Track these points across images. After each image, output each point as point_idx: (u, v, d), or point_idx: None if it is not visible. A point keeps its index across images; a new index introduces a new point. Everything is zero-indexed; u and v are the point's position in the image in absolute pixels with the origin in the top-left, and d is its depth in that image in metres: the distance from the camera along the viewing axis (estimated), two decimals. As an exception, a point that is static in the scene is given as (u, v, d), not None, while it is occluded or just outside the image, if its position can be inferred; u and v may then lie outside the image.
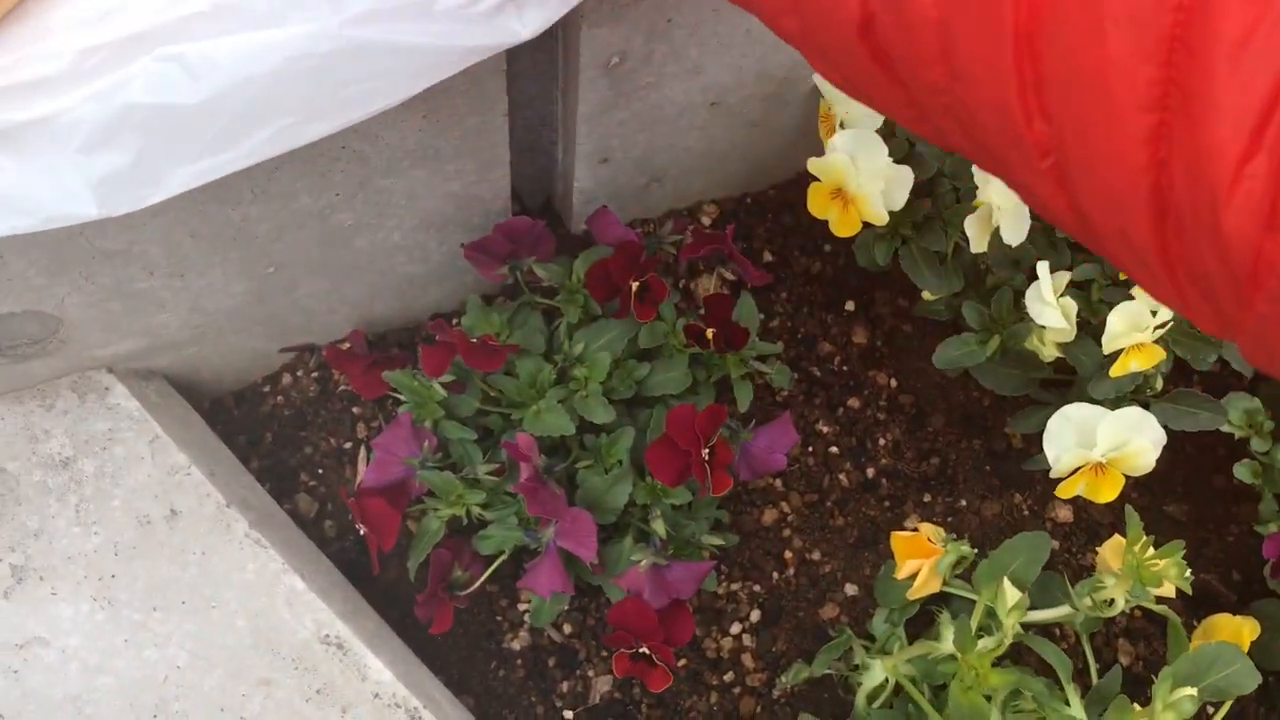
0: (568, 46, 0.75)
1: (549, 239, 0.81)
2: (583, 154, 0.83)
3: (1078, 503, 0.89)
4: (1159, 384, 0.83)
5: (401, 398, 0.79)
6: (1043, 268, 0.76)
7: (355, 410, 0.90)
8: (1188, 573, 0.69)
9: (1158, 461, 0.91)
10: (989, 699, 0.62)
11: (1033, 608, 0.74)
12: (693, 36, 0.75)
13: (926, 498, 0.88)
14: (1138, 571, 0.69)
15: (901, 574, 0.74)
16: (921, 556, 0.74)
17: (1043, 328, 0.78)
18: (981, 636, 0.67)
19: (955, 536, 0.87)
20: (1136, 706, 0.66)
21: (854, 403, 0.91)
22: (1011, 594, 0.64)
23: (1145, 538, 0.69)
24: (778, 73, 0.82)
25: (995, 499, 0.88)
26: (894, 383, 0.91)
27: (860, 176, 0.75)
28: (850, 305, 0.93)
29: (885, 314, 0.92)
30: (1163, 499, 0.90)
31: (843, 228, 0.78)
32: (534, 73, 0.79)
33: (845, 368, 0.91)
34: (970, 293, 0.83)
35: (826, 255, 0.94)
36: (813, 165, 0.77)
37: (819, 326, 0.92)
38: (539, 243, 0.81)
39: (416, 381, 0.78)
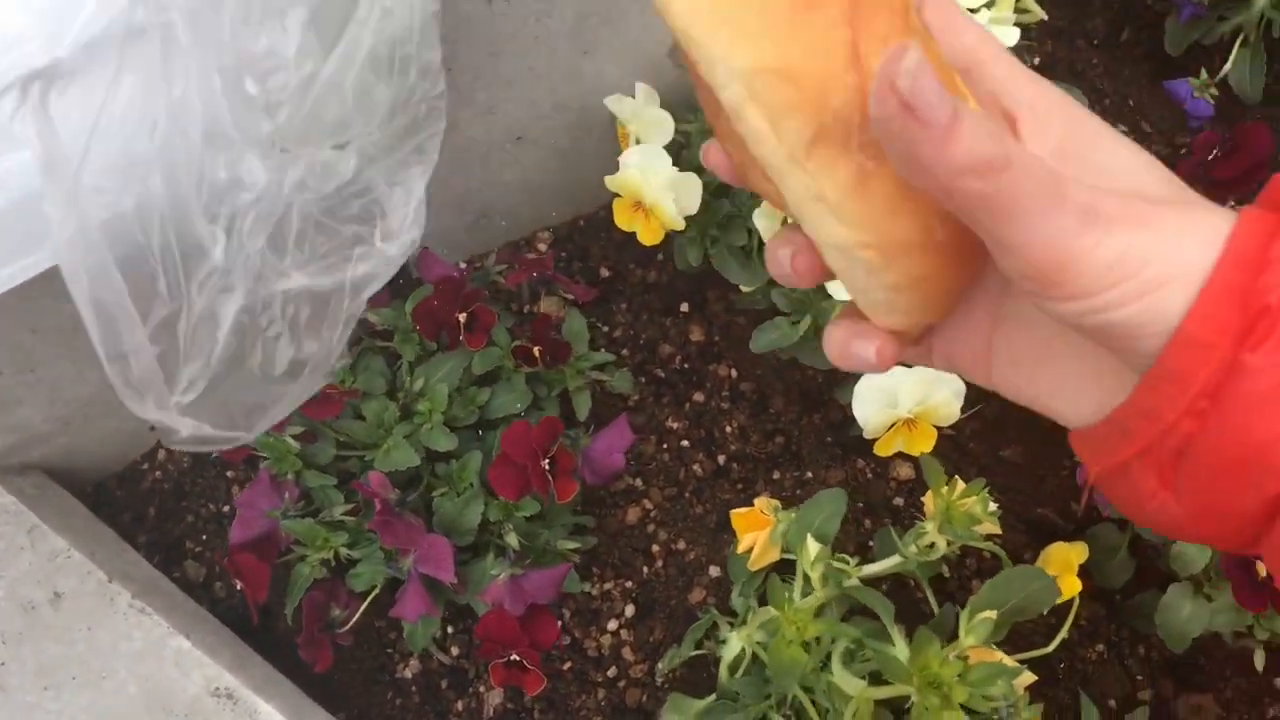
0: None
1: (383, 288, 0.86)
2: (401, 203, 0.88)
3: (919, 460, 0.95)
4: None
5: (264, 455, 0.83)
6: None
7: (229, 474, 0.94)
8: (992, 507, 0.74)
9: (991, 409, 0.98)
10: (808, 648, 0.67)
11: (869, 562, 0.80)
12: (477, 80, 0.81)
13: (776, 475, 0.94)
14: (948, 513, 0.75)
15: (742, 548, 0.79)
16: (758, 529, 0.80)
17: (843, 302, 0.83)
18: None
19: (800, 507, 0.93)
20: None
21: (699, 397, 0.96)
22: (813, 548, 0.69)
23: (949, 481, 0.75)
24: (573, 102, 0.88)
25: (839, 467, 0.94)
26: (734, 373, 0.97)
27: (652, 187, 0.81)
28: (685, 307, 0.98)
29: (718, 310, 0.98)
30: (998, 444, 0.96)
31: (648, 236, 0.84)
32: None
33: (687, 365, 0.97)
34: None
35: (659, 264, 1.00)
36: (609, 182, 0.83)
37: (659, 330, 0.98)
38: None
39: (272, 439, 0.83)
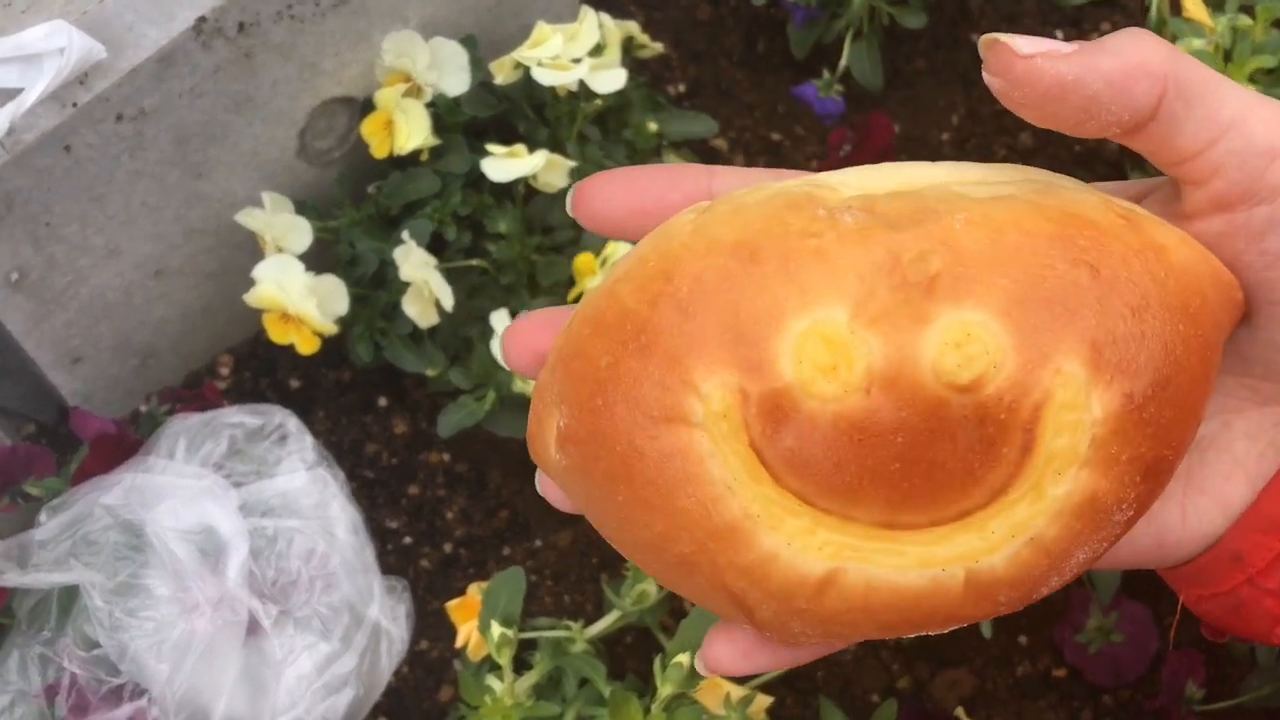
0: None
1: (45, 456, 0.82)
2: (47, 363, 0.84)
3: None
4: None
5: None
6: (496, 317, 0.81)
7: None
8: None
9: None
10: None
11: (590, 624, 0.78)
12: (87, 227, 0.77)
13: (506, 551, 0.92)
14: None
15: (459, 641, 0.78)
16: (474, 618, 0.78)
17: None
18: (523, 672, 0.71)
19: (535, 579, 0.91)
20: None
21: (414, 489, 0.94)
22: (495, 632, 0.68)
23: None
24: (206, 225, 0.85)
25: (568, 530, 0.93)
26: (446, 457, 0.95)
27: (293, 298, 0.79)
28: (383, 401, 0.96)
29: (419, 398, 0.96)
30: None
31: (305, 345, 0.81)
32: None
33: (395, 460, 0.95)
34: (464, 359, 0.88)
35: (350, 364, 0.97)
36: (250, 300, 0.80)
37: (360, 430, 0.95)
38: (33, 463, 0.82)
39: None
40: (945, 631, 0.30)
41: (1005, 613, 0.30)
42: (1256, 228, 0.30)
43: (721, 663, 0.31)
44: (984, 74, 0.29)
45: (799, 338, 0.27)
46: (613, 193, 0.32)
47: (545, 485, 0.32)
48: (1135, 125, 0.29)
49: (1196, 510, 0.33)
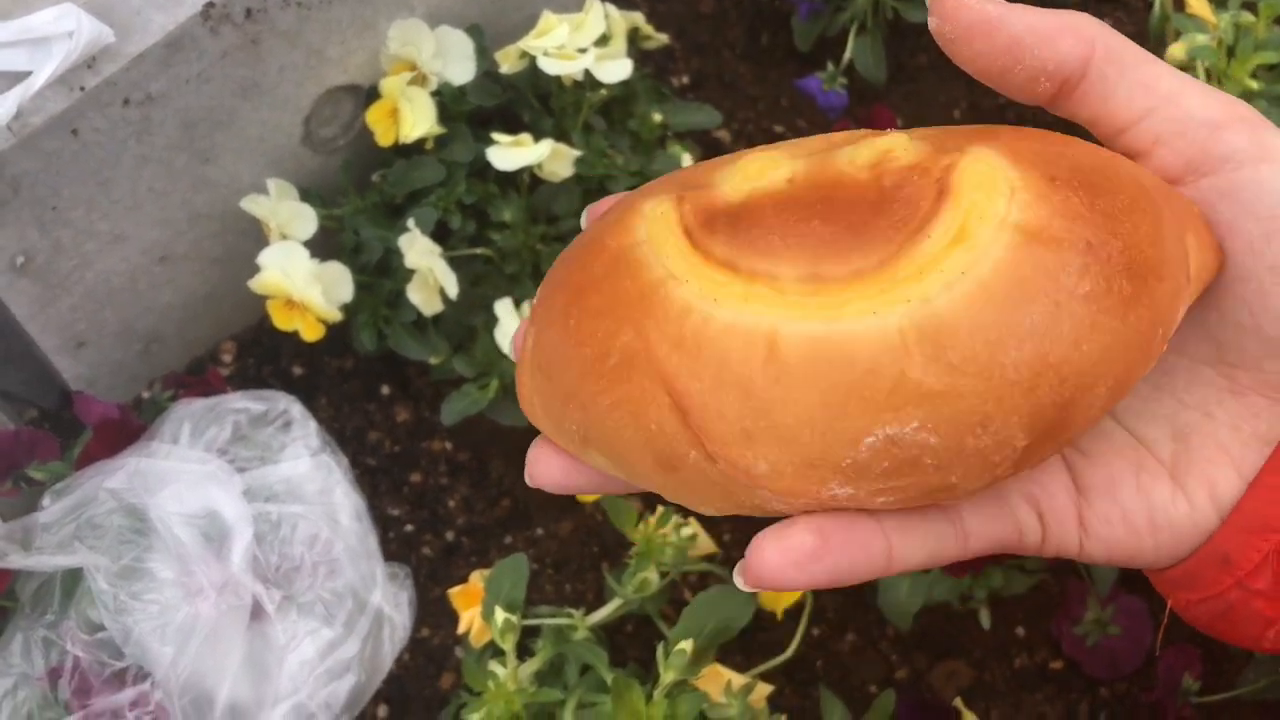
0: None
1: (48, 441, 0.82)
2: (51, 348, 0.84)
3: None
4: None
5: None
6: (500, 306, 0.82)
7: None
8: (691, 533, 0.74)
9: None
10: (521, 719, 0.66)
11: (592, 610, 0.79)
12: (92, 211, 0.78)
13: (508, 539, 0.92)
14: (648, 547, 0.74)
15: (462, 627, 0.78)
16: (477, 605, 0.78)
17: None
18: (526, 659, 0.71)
19: (536, 567, 0.92)
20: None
21: (416, 477, 0.94)
22: (499, 618, 0.68)
23: (643, 516, 0.74)
24: (212, 211, 0.85)
25: (569, 518, 0.93)
26: (449, 445, 0.95)
27: (297, 284, 0.79)
28: (386, 389, 0.96)
29: (421, 386, 0.96)
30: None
31: (309, 333, 0.81)
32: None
33: (398, 448, 0.95)
34: (467, 347, 0.88)
35: (354, 352, 0.98)
36: (254, 287, 0.80)
37: (363, 418, 0.95)
38: (36, 448, 0.82)
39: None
40: (906, 420, 0.26)
41: (967, 387, 0.26)
42: (1205, 200, 0.30)
43: (767, 567, 0.28)
44: (928, 16, 0.31)
45: (738, 165, 0.30)
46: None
47: (538, 454, 0.32)
48: (1062, 80, 0.30)
49: (1188, 497, 0.33)
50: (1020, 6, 0.30)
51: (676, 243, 0.29)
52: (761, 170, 0.30)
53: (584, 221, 0.34)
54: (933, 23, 0.30)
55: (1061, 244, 0.27)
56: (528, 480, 0.33)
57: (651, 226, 0.30)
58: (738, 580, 0.30)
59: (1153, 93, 0.30)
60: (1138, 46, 0.31)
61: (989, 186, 0.28)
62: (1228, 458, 0.32)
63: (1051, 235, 0.27)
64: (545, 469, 0.32)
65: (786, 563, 0.28)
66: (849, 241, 0.27)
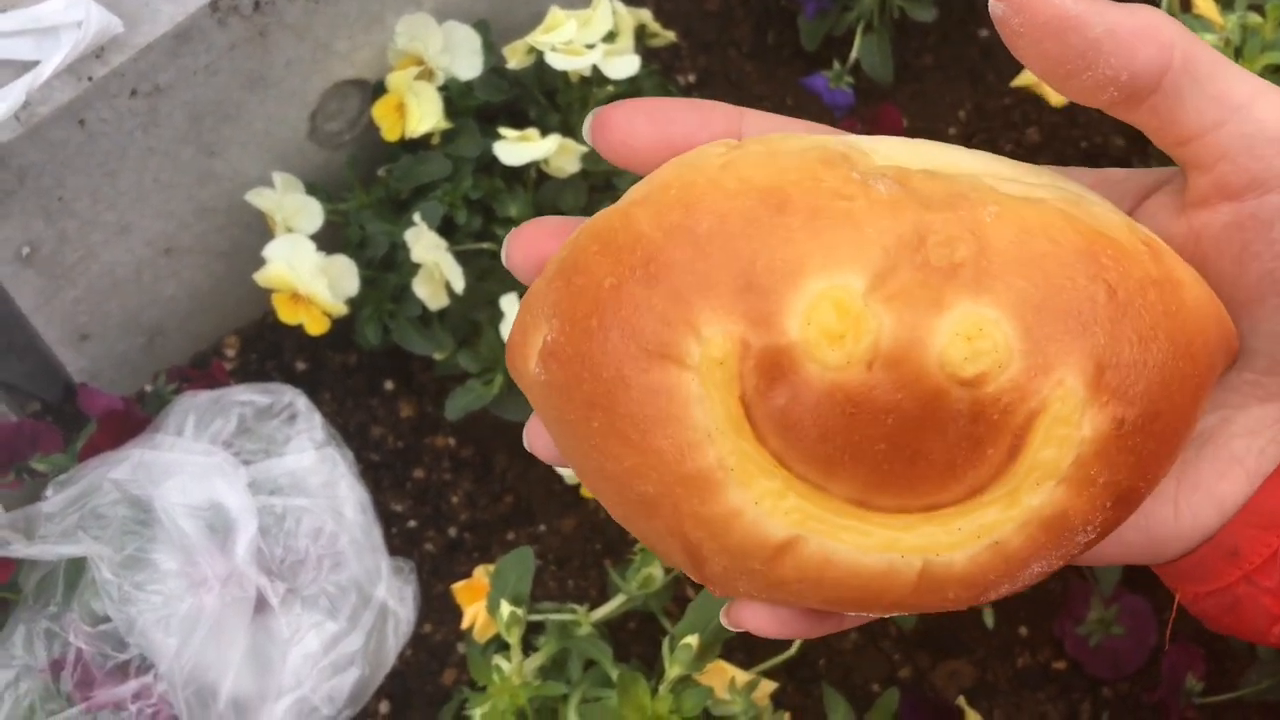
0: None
1: (51, 432, 0.82)
2: (55, 340, 0.84)
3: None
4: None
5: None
6: (506, 301, 0.82)
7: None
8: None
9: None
10: (525, 714, 0.65)
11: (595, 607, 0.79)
12: (98, 202, 0.77)
13: (510, 535, 0.92)
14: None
15: (466, 623, 0.78)
16: (480, 599, 0.78)
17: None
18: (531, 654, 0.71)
19: (539, 563, 0.91)
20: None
21: (419, 473, 0.94)
22: (505, 611, 0.68)
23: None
24: (217, 204, 0.85)
25: (572, 515, 0.93)
26: (452, 441, 0.95)
27: (303, 278, 0.79)
28: (389, 385, 0.96)
29: (425, 381, 0.96)
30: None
31: (314, 326, 0.81)
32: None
33: (401, 444, 0.95)
34: (472, 342, 0.88)
35: (357, 347, 0.97)
36: (260, 280, 0.80)
37: (366, 413, 0.95)
38: (39, 439, 0.81)
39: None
40: (882, 615, 0.30)
41: (948, 609, 0.30)
42: (1266, 217, 0.29)
43: (747, 621, 0.31)
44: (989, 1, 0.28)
45: (814, 299, 0.27)
46: (637, 124, 0.30)
47: (533, 433, 0.32)
48: (1134, 91, 0.28)
49: (1190, 506, 0.32)
50: (1102, 4, 0.27)
51: (730, 408, 0.27)
52: (842, 330, 0.27)
53: (587, 132, 0.31)
54: (997, 9, 0.27)
55: (1086, 513, 0.29)
56: (526, 444, 0.32)
57: (705, 374, 0.27)
58: (723, 619, 0.31)
59: (1223, 105, 0.29)
60: (1214, 51, 0.29)
61: (1059, 442, 0.28)
62: (1239, 464, 0.32)
63: (1080, 509, 0.29)
64: (545, 443, 0.32)
65: (769, 616, 0.31)
66: (905, 474, 0.28)
